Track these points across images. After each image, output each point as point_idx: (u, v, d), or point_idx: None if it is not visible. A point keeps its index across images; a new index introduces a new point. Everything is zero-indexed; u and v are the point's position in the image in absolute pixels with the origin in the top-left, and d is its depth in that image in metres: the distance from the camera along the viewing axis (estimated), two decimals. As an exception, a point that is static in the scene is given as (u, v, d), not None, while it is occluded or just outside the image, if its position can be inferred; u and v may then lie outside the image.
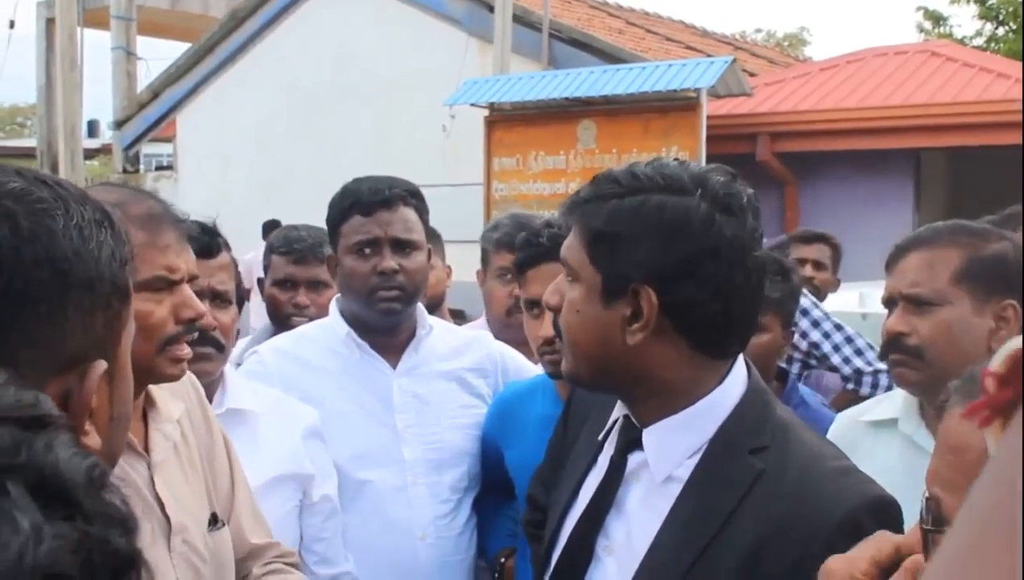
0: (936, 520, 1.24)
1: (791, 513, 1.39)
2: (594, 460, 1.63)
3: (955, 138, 9.27)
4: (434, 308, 3.95)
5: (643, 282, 1.43)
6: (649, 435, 1.50)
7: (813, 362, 3.85)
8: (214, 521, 1.80)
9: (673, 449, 1.48)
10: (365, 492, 2.49)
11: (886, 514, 1.38)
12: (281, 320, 3.33)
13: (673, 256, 1.42)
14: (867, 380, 3.68)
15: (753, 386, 1.52)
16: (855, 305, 4.97)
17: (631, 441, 1.53)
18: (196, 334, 1.70)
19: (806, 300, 3.81)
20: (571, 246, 1.52)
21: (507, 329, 3.16)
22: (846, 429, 2.29)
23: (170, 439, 1.74)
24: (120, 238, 1.04)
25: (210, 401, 2.33)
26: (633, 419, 1.53)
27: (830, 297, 4.58)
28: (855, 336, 3.75)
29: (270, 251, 3.44)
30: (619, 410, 1.58)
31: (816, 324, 3.77)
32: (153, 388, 1.75)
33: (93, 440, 0.98)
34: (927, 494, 1.20)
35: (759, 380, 1.55)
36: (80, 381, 0.96)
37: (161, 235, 1.67)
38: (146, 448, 1.69)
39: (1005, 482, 0.43)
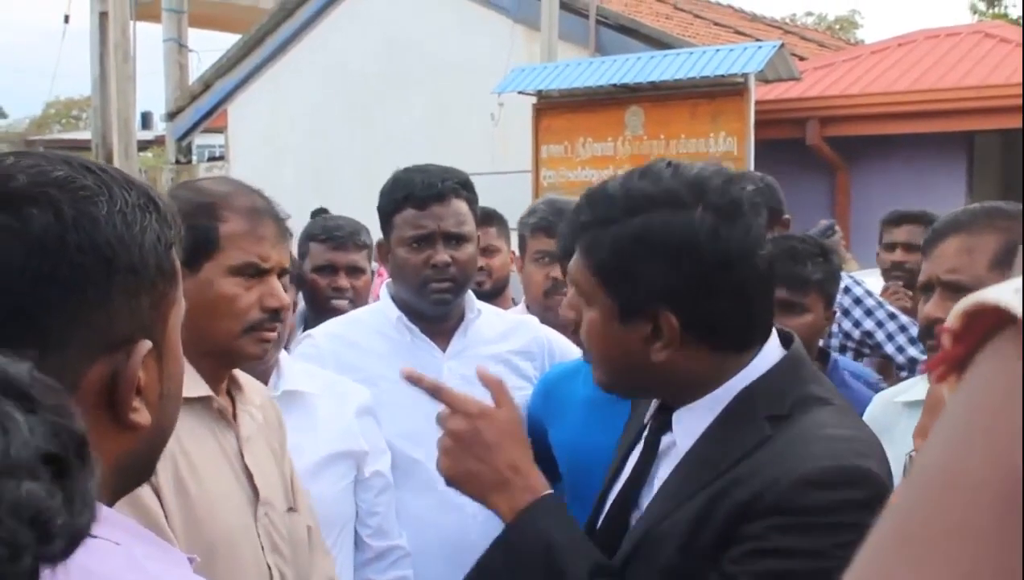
0: None
1: (769, 471, 1.38)
2: (638, 438, 1.68)
3: (1009, 120, 9.08)
4: (499, 292, 3.97)
5: (659, 305, 1.45)
6: (678, 416, 1.55)
7: (866, 350, 3.80)
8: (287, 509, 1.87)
9: (698, 427, 1.52)
10: (417, 470, 2.53)
11: (854, 486, 1.35)
12: (320, 304, 3.48)
13: (685, 276, 1.43)
14: (921, 368, 3.61)
15: (791, 358, 1.54)
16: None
17: (664, 422, 1.58)
18: (279, 322, 1.83)
19: (859, 288, 3.76)
20: (580, 271, 1.53)
21: (548, 312, 3.18)
22: (881, 409, 2.30)
23: (255, 420, 1.84)
24: (166, 221, 1.05)
25: (266, 385, 2.41)
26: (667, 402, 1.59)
27: (876, 280, 4.48)
28: (909, 324, 3.67)
29: (307, 239, 3.60)
30: None
31: (869, 313, 3.71)
32: (239, 374, 1.86)
33: (143, 416, 1.01)
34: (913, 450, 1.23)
35: (801, 355, 1.56)
36: (126, 360, 0.99)
37: (260, 226, 1.81)
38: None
39: (958, 442, 0.45)
